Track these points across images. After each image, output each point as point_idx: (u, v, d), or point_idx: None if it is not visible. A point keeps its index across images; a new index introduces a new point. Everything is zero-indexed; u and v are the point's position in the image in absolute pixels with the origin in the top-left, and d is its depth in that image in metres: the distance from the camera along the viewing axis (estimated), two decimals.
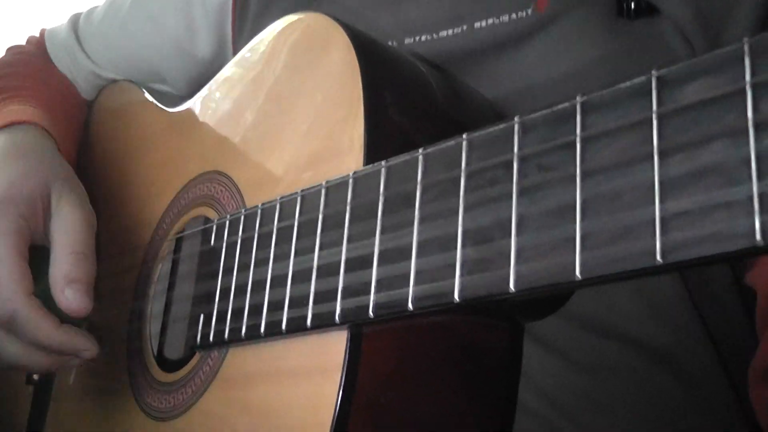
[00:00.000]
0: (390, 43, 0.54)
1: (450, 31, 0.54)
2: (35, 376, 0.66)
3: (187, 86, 0.77)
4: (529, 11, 0.52)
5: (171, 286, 0.54)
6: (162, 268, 0.56)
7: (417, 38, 0.56)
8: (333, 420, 0.36)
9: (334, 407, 0.37)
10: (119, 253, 0.61)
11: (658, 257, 0.25)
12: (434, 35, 0.55)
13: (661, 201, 0.25)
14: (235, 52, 0.70)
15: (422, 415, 0.40)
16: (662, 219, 0.25)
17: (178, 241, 0.54)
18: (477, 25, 0.53)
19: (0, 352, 0.49)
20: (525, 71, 0.52)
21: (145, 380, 0.53)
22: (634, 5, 0.49)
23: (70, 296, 0.48)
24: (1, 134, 0.58)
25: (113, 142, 0.70)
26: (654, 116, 0.26)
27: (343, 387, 0.37)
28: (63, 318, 0.49)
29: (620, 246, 0.26)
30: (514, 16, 0.52)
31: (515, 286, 0.29)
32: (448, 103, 0.48)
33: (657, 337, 0.49)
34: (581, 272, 0.27)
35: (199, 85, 0.77)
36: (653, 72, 0.27)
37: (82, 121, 0.76)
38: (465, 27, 0.54)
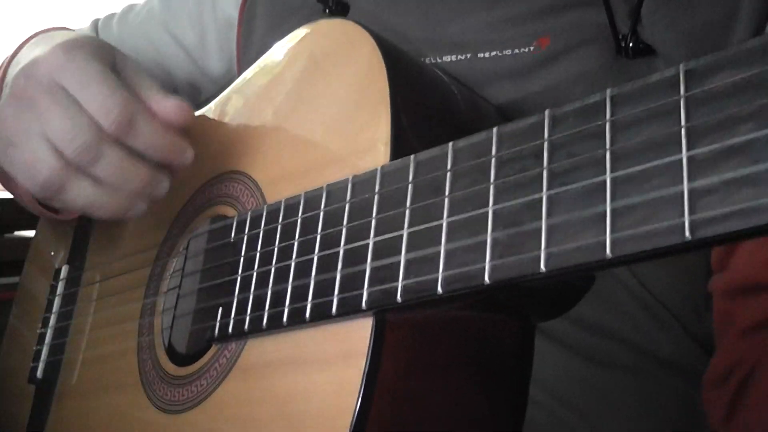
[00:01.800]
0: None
1: (453, 57, 0.56)
2: (38, 375, 0.66)
3: (195, 96, 0.78)
4: (531, 48, 0.53)
5: (185, 281, 0.55)
6: (176, 264, 0.56)
7: (421, 59, 0.57)
8: (357, 404, 0.37)
9: (358, 392, 0.37)
10: (132, 252, 0.62)
11: (687, 233, 0.27)
12: (438, 59, 0.56)
13: (689, 179, 0.27)
14: (240, 69, 0.72)
15: (437, 405, 0.41)
16: (690, 197, 0.27)
17: (195, 238, 0.55)
18: (480, 55, 0.55)
19: (106, 157, 0.48)
20: (524, 105, 0.53)
21: (156, 374, 0.53)
22: (632, 45, 0.51)
23: (173, 100, 0.49)
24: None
25: None
26: (682, 101, 0.28)
27: (368, 372, 0.38)
28: None
29: (650, 224, 0.28)
30: (516, 51, 0.54)
31: (546, 266, 0.31)
32: (464, 106, 0.49)
33: (658, 343, 0.51)
34: (612, 250, 0.29)
35: (206, 96, 0.79)
36: (682, 65, 0.29)
37: None
38: (469, 55, 0.56)
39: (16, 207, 0.67)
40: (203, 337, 0.50)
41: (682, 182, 0.27)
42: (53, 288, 0.69)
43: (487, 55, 0.55)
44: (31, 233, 0.82)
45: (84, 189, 0.49)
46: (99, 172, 0.48)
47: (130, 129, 0.47)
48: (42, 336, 0.68)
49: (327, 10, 0.63)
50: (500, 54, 0.54)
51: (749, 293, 0.47)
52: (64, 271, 0.69)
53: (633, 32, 0.50)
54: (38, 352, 0.67)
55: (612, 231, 0.29)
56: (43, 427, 0.64)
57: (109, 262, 0.65)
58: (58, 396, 0.64)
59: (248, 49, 0.69)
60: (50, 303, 0.68)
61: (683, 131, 0.28)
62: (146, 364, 0.55)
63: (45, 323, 0.68)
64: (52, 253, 0.74)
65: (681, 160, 0.28)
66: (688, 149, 0.28)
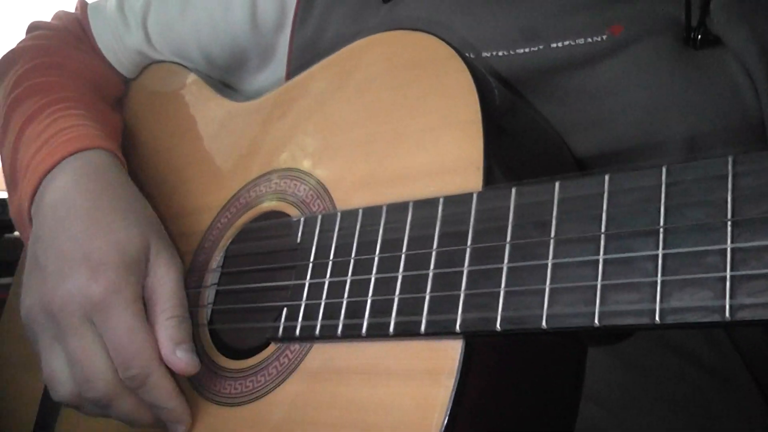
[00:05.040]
0: (467, 54, 0.57)
1: (527, 49, 0.57)
2: None
3: (225, 73, 0.75)
4: (604, 36, 0.55)
5: (236, 276, 0.55)
6: (223, 257, 0.57)
7: (494, 53, 0.58)
8: (444, 421, 0.39)
9: (445, 410, 0.39)
10: (172, 235, 0.61)
11: None
12: (511, 51, 0.58)
13: None
14: (293, 41, 0.68)
15: (508, 421, 0.44)
16: None
17: (249, 232, 0.56)
18: (554, 45, 0.57)
19: (116, 404, 0.51)
20: (595, 92, 0.55)
21: (204, 366, 0.54)
22: (701, 36, 0.54)
23: (183, 356, 0.50)
24: (72, 166, 0.57)
25: (163, 123, 0.70)
26: None
27: (456, 391, 0.40)
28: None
29: None
30: (589, 39, 0.56)
31: (661, 319, 0.33)
32: (537, 128, 0.51)
33: (692, 341, 0.54)
34: (730, 314, 0.32)
35: (234, 74, 0.75)
36: None
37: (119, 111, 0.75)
38: (542, 46, 0.57)
39: None
40: (261, 334, 0.51)
41: None
42: None
43: (560, 44, 0.56)
44: None
45: (98, 411, 0.53)
46: (109, 412, 0.53)
47: (143, 386, 0.50)
48: None
49: None
50: (573, 43, 0.56)
51: None
52: None
53: (702, 24, 0.53)
54: None
55: (731, 297, 0.32)
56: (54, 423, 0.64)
57: None
58: None
59: (306, 22, 0.66)
60: None
61: None
62: None
63: None
64: None
65: None
66: None
